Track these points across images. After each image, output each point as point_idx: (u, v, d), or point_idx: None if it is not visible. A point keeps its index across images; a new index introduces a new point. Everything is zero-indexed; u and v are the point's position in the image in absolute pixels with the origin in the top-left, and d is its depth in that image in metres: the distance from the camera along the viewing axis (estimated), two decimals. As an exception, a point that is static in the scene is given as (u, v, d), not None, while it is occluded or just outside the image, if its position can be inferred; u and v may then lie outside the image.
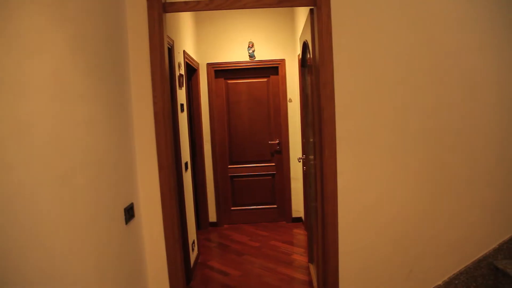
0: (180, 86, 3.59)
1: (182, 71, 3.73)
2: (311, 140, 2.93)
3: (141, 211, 2.17)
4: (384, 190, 2.22)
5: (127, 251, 1.93)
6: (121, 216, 1.87)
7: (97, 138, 1.62)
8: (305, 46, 2.98)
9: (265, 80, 5.02)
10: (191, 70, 4.72)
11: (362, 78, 2.14)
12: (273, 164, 5.11)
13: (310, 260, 3.38)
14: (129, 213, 1.97)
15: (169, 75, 3.18)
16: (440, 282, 2.28)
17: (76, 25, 1.48)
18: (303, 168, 4.26)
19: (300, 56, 3.56)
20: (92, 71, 1.61)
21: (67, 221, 1.32)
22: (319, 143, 2.24)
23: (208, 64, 4.91)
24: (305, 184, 4.57)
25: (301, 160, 4.15)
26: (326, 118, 2.13)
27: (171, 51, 3.20)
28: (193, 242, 3.85)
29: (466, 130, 2.21)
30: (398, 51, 2.13)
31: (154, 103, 2.13)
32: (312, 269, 3.25)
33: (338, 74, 2.11)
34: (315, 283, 2.98)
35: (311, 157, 2.93)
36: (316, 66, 2.20)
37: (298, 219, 5.12)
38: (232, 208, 5.18)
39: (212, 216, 5.11)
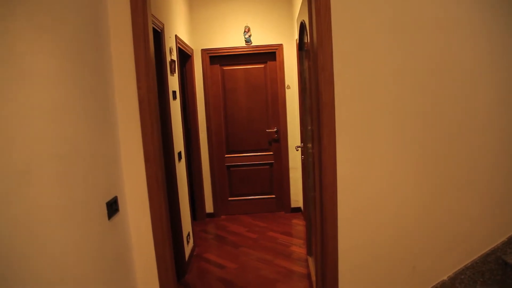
0: (172, 72, 3.43)
1: (174, 57, 3.56)
2: (309, 128, 2.78)
3: (127, 205, 2.03)
4: (386, 182, 2.08)
5: (111, 247, 1.79)
6: (103, 210, 1.73)
7: (70, 127, 1.47)
8: (302, 27, 2.81)
9: (262, 66, 4.84)
10: (185, 56, 4.55)
11: (364, 61, 1.97)
12: (271, 153, 4.96)
13: (309, 252, 3.26)
14: (112, 207, 1.83)
15: (158, 59, 3.02)
16: (445, 278, 2.16)
17: (42, -1, 1.31)
18: (301, 157, 4.12)
19: (298, 40, 3.39)
20: (65, 53, 1.45)
21: (33, 221, 1.18)
22: (317, 131, 2.09)
23: (203, 50, 4.73)
24: (304, 173, 4.43)
25: (299, 148, 4.01)
26: (325, 103, 1.97)
27: (160, 34, 3.03)
28: (188, 234, 3.72)
29: (467, 121, 2.05)
30: (402, 31, 1.96)
31: (139, 89, 1.97)
32: (311, 262, 3.13)
33: (338, 56, 1.95)
34: (313, 277, 2.86)
35: (309, 145, 2.78)
36: (314, 47, 2.04)
37: (297, 209, 5.00)
38: (230, 199, 5.05)
39: (209, 207, 4.98)
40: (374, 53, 1.97)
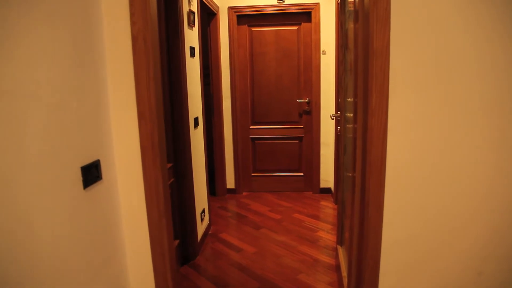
0: (190, 25, 2.96)
1: (194, 8, 3.08)
2: (350, 99, 2.27)
3: (115, 172, 1.62)
4: (450, 162, 1.55)
5: (87, 225, 1.39)
6: (76, 177, 1.33)
7: (29, 58, 1.04)
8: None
9: (296, 28, 4.28)
10: (210, 14, 4.07)
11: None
12: (301, 126, 4.46)
13: (339, 241, 2.79)
14: (92, 173, 1.42)
15: (173, 7, 2.56)
16: (522, 290, 1.64)
17: None
18: (336, 130, 3.61)
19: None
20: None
21: None
22: (362, 88, 1.58)
23: (230, 8, 4.22)
24: (337, 150, 3.92)
25: (334, 117, 3.49)
26: (377, 49, 1.45)
27: (176, -25, 2.56)
28: (203, 211, 3.34)
29: None
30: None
31: (132, 23, 1.52)
32: (341, 253, 2.67)
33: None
34: (344, 271, 2.40)
35: (349, 114, 2.27)
36: (365, -24, 1.51)
37: (327, 190, 4.51)
38: (253, 174, 4.62)
39: (230, 182, 4.58)
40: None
